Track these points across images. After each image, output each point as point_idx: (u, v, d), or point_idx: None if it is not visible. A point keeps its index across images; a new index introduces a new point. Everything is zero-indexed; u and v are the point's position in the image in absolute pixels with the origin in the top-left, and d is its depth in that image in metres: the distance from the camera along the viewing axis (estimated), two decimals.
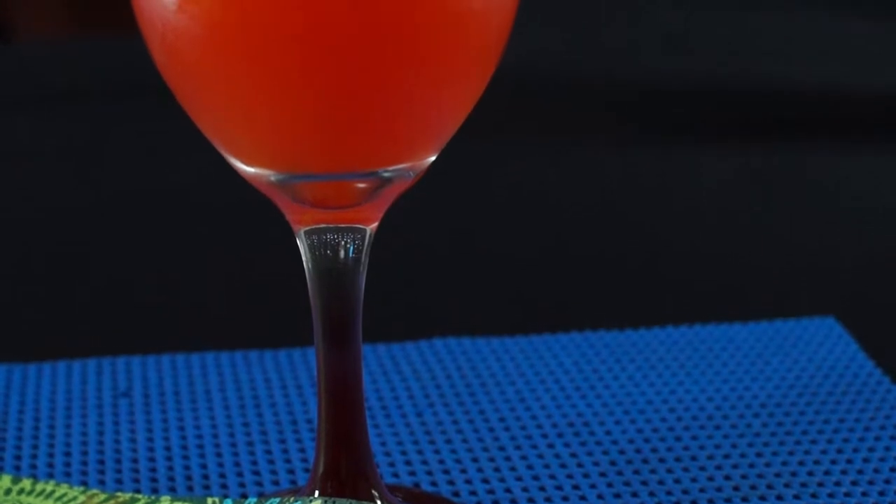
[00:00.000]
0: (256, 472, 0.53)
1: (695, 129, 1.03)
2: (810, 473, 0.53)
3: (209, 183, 0.84)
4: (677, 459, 0.54)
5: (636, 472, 0.53)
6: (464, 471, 0.53)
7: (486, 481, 0.53)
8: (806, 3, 2.24)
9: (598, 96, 1.12)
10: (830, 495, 0.51)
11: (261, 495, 0.51)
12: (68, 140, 1.04)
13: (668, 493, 0.51)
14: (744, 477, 0.52)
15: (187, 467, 0.54)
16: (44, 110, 1.11)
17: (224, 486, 0.52)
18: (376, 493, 0.47)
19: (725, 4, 2.29)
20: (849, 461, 0.54)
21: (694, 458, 0.54)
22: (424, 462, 0.54)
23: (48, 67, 1.27)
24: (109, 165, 0.97)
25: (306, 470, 0.53)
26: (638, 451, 0.55)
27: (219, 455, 0.55)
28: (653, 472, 0.53)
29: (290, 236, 0.45)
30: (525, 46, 0.57)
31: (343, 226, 0.44)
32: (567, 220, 0.84)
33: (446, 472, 0.53)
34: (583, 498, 0.51)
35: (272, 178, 0.42)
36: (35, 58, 1.35)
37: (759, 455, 0.54)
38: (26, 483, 0.48)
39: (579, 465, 0.54)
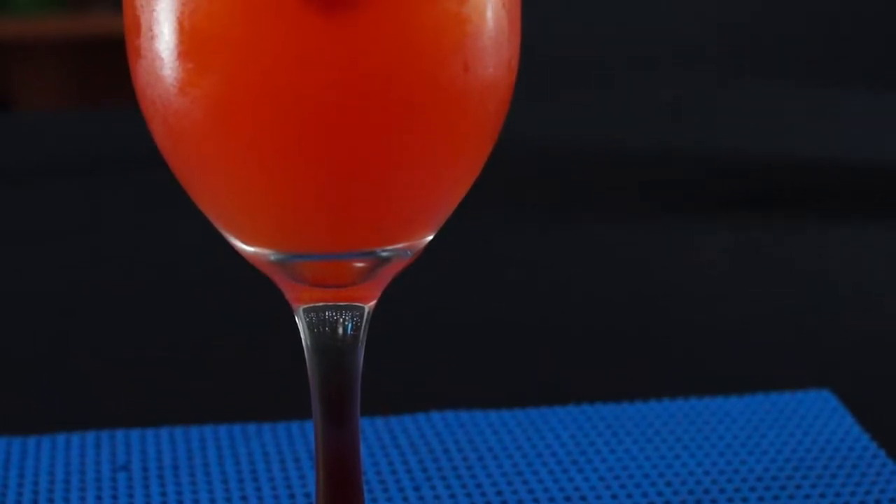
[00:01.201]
0: None
1: (691, 201, 1.04)
2: None
3: (209, 256, 0.85)
4: None
5: None
6: None
7: None
8: (804, 75, 2.26)
9: (595, 168, 1.12)
10: None
11: None
12: (68, 212, 1.05)
13: None
14: None
15: None
16: (43, 181, 1.12)
17: None
18: None
19: (723, 77, 2.30)
20: None
21: None
22: None
23: (48, 138, 1.28)
24: (108, 237, 0.98)
25: None
26: None
27: None
28: None
29: (290, 310, 0.46)
30: (520, 119, 0.58)
31: (341, 304, 0.45)
32: (562, 292, 0.85)
33: None
34: None
35: (272, 258, 0.43)
36: (35, 128, 1.36)
37: None
38: None
39: None
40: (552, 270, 0.89)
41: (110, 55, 1.92)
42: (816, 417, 0.65)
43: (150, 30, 0.41)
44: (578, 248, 0.93)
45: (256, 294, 0.72)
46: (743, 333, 0.77)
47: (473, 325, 0.79)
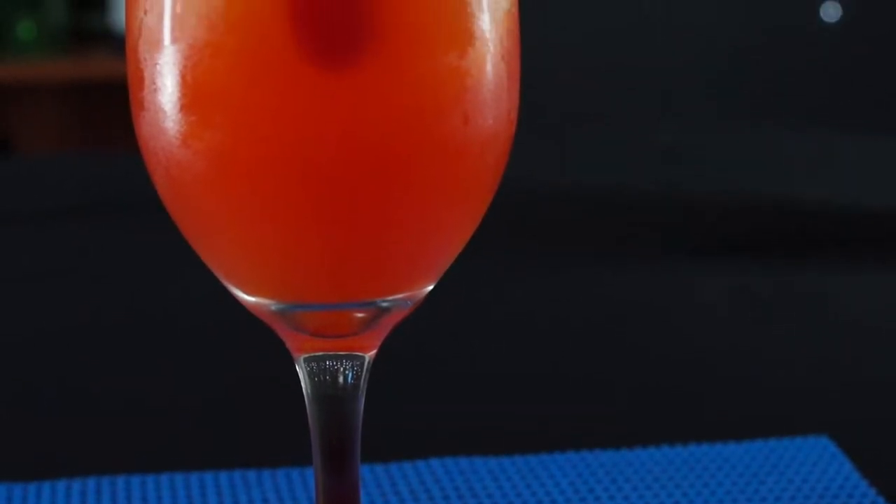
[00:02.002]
0: None
1: (690, 245, 1.04)
2: None
3: (209, 303, 0.85)
4: None
5: None
6: None
7: None
8: (804, 118, 2.26)
9: (594, 212, 1.13)
10: None
11: None
12: (67, 255, 1.05)
13: None
14: None
15: None
16: (43, 223, 1.12)
17: None
18: None
19: (722, 120, 2.31)
20: None
21: None
22: None
23: (49, 180, 1.29)
24: (108, 281, 0.98)
25: None
26: None
27: None
28: None
29: (290, 357, 0.46)
30: (517, 163, 0.58)
31: (342, 353, 0.45)
32: (560, 338, 0.85)
33: None
34: None
35: (273, 308, 0.43)
36: (35, 171, 1.36)
37: None
38: None
39: None
40: (550, 315, 0.90)
41: (111, 98, 1.93)
42: (815, 464, 0.65)
43: (154, 82, 0.41)
44: (577, 293, 0.93)
45: (257, 341, 0.73)
46: (741, 379, 0.77)
47: (473, 372, 0.79)
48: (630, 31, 2.30)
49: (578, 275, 0.97)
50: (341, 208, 0.40)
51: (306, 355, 0.45)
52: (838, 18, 2.32)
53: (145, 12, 0.41)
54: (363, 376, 0.46)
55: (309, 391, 0.46)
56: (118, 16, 2.33)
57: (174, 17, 0.40)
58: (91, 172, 1.33)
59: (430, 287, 0.45)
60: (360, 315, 0.43)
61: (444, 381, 0.78)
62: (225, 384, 0.78)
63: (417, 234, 0.42)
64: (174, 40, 0.40)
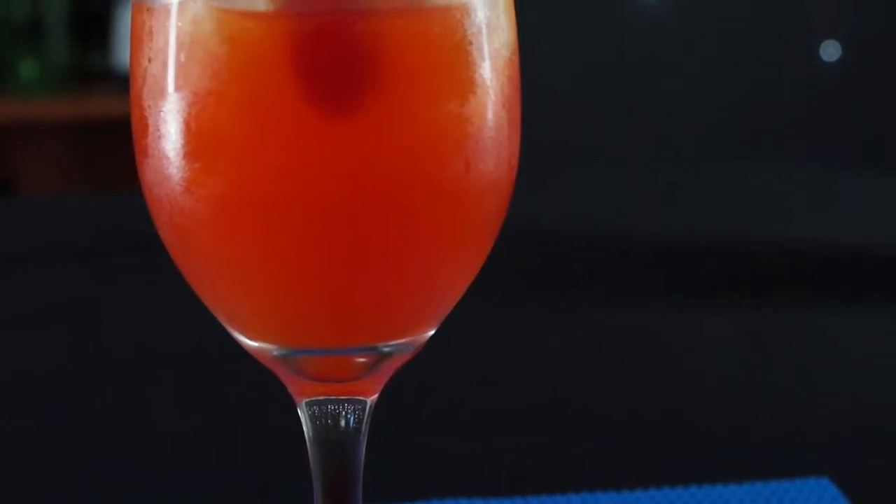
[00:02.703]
0: None
1: (692, 286, 1.05)
2: None
3: (211, 346, 0.85)
4: None
5: None
6: None
7: None
8: (804, 156, 2.27)
9: (597, 251, 1.13)
10: None
11: None
12: (69, 297, 1.05)
13: None
14: None
15: None
16: (44, 264, 1.12)
17: None
18: None
19: (724, 159, 2.31)
20: None
21: None
22: None
23: (51, 222, 1.29)
24: (110, 323, 0.98)
25: None
26: None
27: None
28: None
29: (292, 400, 0.46)
30: (517, 202, 0.59)
31: (344, 397, 0.45)
32: (562, 378, 0.85)
33: None
34: None
35: (275, 353, 0.44)
36: (37, 212, 1.36)
37: None
38: None
39: None
40: (551, 356, 0.90)
41: (114, 137, 1.93)
42: None
43: (157, 130, 0.42)
44: (578, 333, 0.94)
45: (258, 384, 0.73)
46: (742, 419, 0.77)
47: (473, 413, 0.79)
48: (631, 71, 2.31)
49: (579, 315, 0.97)
50: (343, 254, 0.40)
51: (308, 399, 0.45)
52: (838, 57, 2.33)
53: (149, 60, 0.42)
54: (365, 420, 0.46)
55: (310, 434, 0.46)
56: (121, 55, 2.33)
57: (178, 65, 0.41)
58: (93, 212, 1.33)
59: (432, 332, 0.45)
60: (361, 360, 0.43)
61: (445, 423, 0.78)
62: (226, 426, 0.78)
63: (419, 280, 0.42)
64: (178, 88, 0.41)
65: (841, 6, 2.30)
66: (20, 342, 0.94)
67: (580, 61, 2.31)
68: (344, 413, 0.45)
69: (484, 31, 0.42)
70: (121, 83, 2.32)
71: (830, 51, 2.30)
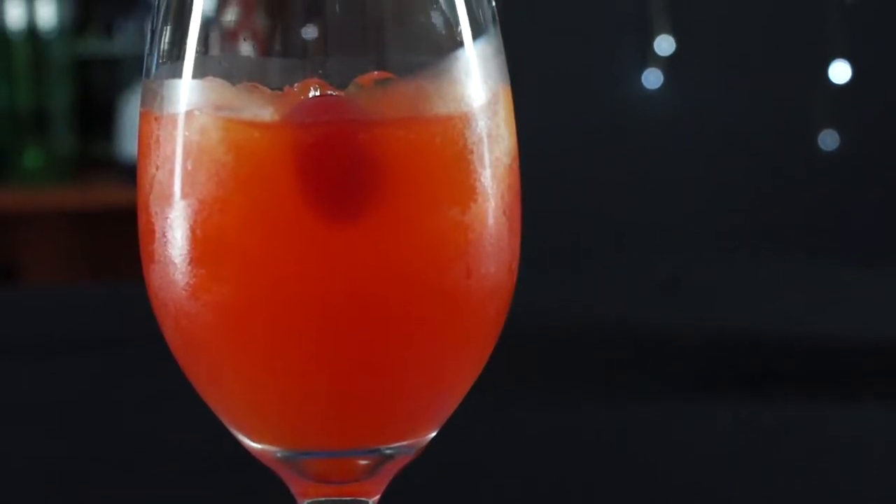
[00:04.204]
0: None
1: (691, 380, 1.05)
2: None
3: (214, 442, 0.86)
4: None
5: None
6: None
7: None
8: (803, 246, 2.28)
9: (595, 346, 1.13)
10: None
11: None
12: (70, 389, 1.05)
13: None
14: None
15: None
16: (48, 355, 1.12)
17: None
18: None
19: (722, 251, 2.32)
20: None
21: None
22: None
23: (53, 311, 1.29)
24: (113, 416, 0.98)
25: None
26: None
27: None
28: None
29: (294, 501, 0.47)
30: (518, 297, 0.59)
31: (346, 499, 0.45)
32: (565, 471, 0.85)
33: None
34: None
35: (278, 455, 0.44)
36: (39, 301, 1.37)
37: None
38: None
39: None
40: (554, 450, 0.90)
41: (117, 226, 1.94)
42: None
43: (164, 236, 0.42)
44: (580, 428, 0.94)
45: (260, 484, 0.73)
46: None
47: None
48: (631, 164, 2.32)
49: (582, 409, 0.97)
50: (346, 359, 0.41)
51: (310, 500, 0.46)
52: (836, 147, 2.34)
53: (157, 168, 0.43)
54: None
55: None
56: (124, 145, 2.35)
57: (185, 173, 0.42)
58: (96, 301, 1.33)
59: (433, 434, 0.45)
60: (363, 462, 0.44)
61: None
62: None
63: (421, 384, 0.43)
64: (185, 195, 0.42)
65: (840, 93, 2.31)
66: (19, 435, 0.94)
67: (579, 154, 2.33)
68: None
69: (485, 139, 0.42)
70: (124, 172, 2.33)
71: (829, 140, 2.32)
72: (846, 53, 2.30)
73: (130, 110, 2.35)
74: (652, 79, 2.30)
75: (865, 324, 1.18)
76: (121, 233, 1.57)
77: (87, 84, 2.49)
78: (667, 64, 2.31)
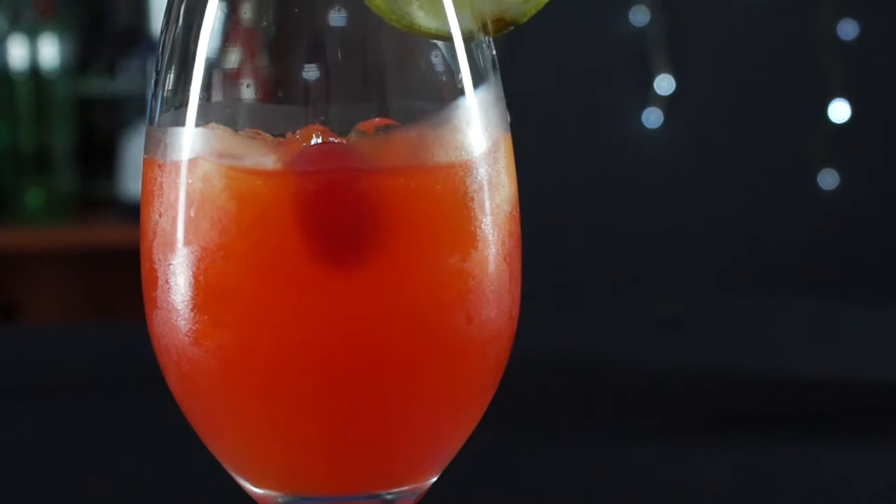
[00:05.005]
0: None
1: (690, 417, 1.05)
2: None
3: (214, 484, 0.86)
4: None
5: None
6: None
7: None
8: (803, 284, 2.27)
9: (592, 384, 1.13)
10: None
11: None
12: (69, 430, 1.05)
13: None
14: None
15: None
16: (47, 397, 1.12)
17: None
18: None
19: (723, 292, 2.32)
20: None
21: None
22: None
23: (54, 350, 1.29)
24: (111, 461, 0.98)
25: None
26: None
27: None
28: None
29: None
30: (518, 335, 0.59)
31: None
32: None
33: None
34: None
35: (279, 500, 0.44)
36: (39, 341, 1.37)
37: None
38: None
39: None
40: (550, 491, 0.90)
41: (118, 266, 1.95)
42: None
43: (167, 282, 0.43)
44: (577, 469, 0.94)
45: None
46: None
47: None
48: (631, 203, 2.33)
49: (580, 450, 0.97)
50: (347, 405, 0.41)
51: None
52: (836, 186, 2.35)
53: (160, 215, 0.43)
54: None
55: None
56: (126, 184, 2.36)
57: (188, 220, 0.42)
58: (97, 341, 1.33)
59: (435, 478, 0.45)
60: None
61: None
62: None
63: (422, 430, 0.43)
64: (187, 242, 0.42)
65: (840, 132, 2.32)
66: (16, 477, 0.94)
67: (578, 190, 2.33)
68: None
69: (485, 187, 0.43)
70: (126, 212, 2.34)
71: (828, 179, 2.32)
72: (845, 93, 2.31)
73: (132, 150, 2.36)
74: (652, 118, 2.31)
75: (865, 363, 1.18)
76: (122, 272, 1.58)
77: (90, 124, 2.50)
78: (667, 103, 2.32)
